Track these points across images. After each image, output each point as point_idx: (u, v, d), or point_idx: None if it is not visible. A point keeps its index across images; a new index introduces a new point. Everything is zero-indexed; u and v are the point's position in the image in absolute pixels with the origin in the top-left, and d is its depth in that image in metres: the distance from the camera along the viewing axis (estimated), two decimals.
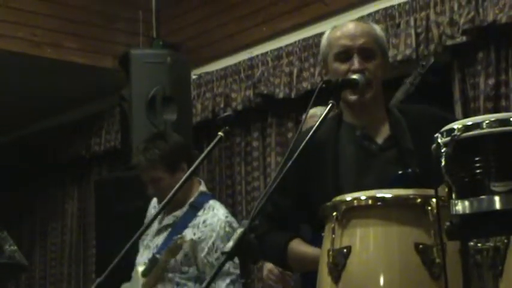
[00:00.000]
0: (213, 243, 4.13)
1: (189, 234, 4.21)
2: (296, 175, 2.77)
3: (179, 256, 4.10)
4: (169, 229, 4.31)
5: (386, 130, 2.92)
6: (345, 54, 2.90)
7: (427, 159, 2.16)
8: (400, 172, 2.67)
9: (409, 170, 2.67)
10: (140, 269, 4.21)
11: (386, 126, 2.92)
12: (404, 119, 2.91)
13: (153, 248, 4.31)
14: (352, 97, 2.86)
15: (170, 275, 4.15)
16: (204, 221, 4.22)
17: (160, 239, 4.32)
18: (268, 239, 2.92)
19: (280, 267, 3.19)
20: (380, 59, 2.92)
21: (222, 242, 4.12)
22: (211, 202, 4.35)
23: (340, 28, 2.98)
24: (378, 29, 3.02)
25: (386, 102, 3.03)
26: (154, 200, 4.51)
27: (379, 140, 2.90)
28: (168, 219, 4.34)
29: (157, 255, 4.18)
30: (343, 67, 2.88)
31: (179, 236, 4.10)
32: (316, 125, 2.52)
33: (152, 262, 4.17)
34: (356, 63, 2.85)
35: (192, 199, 4.31)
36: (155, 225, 4.38)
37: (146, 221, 4.46)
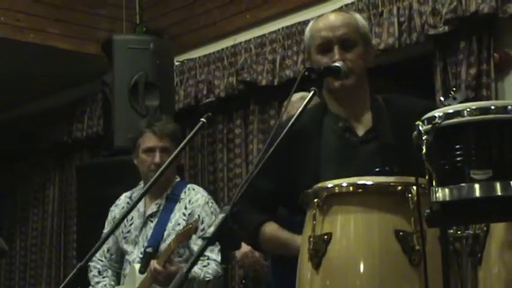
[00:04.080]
0: (202, 220, 4.19)
1: (178, 216, 4.25)
2: (279, 160, 2.78)
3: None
4: (156, 218, 4.32)
5: (368, 121, 2.93)
6: (325, 46, 2.93)
7: (407, 153, 2.19)
8: (376, 169, 2.69)
9: (386, 168, 2.69)
10: (137, 266, 4.21)
11: (369, 117, 2.94)
12: (388, 109, 2.93)
13: (143, 242, 4.31)
14: (335, 83, 2.89)
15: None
16: (189, 201, 4.30)
17: (148, 231, 4.31)
18: (243, 217, 2.89)
19: (251, 246, 3.21)
20: (362, 47, 2.95)
21: (207, 216, 4.21)
22: (189, 185, 4.44)
23: (321, 19, 3.02)
24: (359, 17, 3.05)
25: (372, 92, 3.04)
26: (122, 199, 4.53)
27: (360, 131, 2.92)
28: (152, 209, 4.34)
29: (149, 249, 4.19)
30: (324, 60, 2.91)
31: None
32: (298, 112, 2.53)
33: (146, 257, 4.17)
34: (336, 54, 2.89)
35: (169, 191, 4.34)
36: (136, 220, 4.38)
37: (111, 219, 4.49)
